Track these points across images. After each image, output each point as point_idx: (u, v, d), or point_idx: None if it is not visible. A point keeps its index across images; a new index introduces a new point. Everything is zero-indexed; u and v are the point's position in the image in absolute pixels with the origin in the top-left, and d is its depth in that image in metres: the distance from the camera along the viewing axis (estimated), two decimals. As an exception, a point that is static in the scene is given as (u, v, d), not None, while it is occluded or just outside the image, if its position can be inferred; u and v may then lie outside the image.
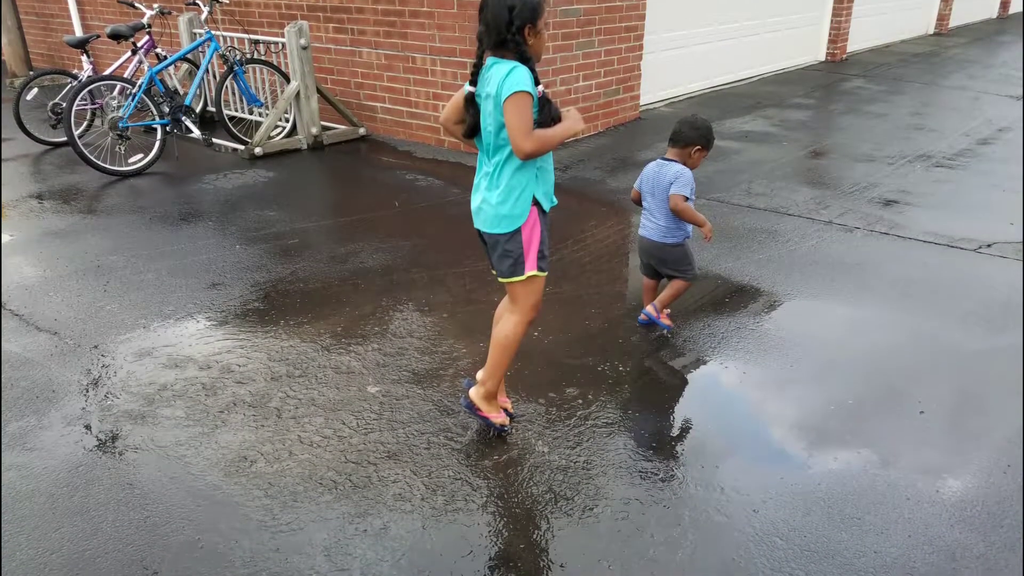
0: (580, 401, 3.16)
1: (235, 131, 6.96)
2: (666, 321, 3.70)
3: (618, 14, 7.23)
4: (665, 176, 3.44)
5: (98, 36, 7.30)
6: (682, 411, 3.16)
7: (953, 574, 2.29)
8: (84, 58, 6.94)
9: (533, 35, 2.53)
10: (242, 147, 6.77)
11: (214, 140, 6.98)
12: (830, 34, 11.14)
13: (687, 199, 3.41)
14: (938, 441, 2.91)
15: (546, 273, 2.79)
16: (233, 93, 7.34)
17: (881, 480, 2.69)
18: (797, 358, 3.48)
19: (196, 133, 6.81)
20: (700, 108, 8.43)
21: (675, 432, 3.01)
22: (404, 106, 7.11)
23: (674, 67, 8.59)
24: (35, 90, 7.04)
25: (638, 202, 3.65)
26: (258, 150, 6.63)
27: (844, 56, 11.35)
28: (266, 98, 7.30)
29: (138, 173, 6.24)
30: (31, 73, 9.55)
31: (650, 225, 3.58)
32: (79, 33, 10.05)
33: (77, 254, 4.68)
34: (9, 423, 3.05)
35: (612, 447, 2.88)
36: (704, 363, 3.48)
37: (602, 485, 2.68)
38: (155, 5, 7.31)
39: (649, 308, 3.66)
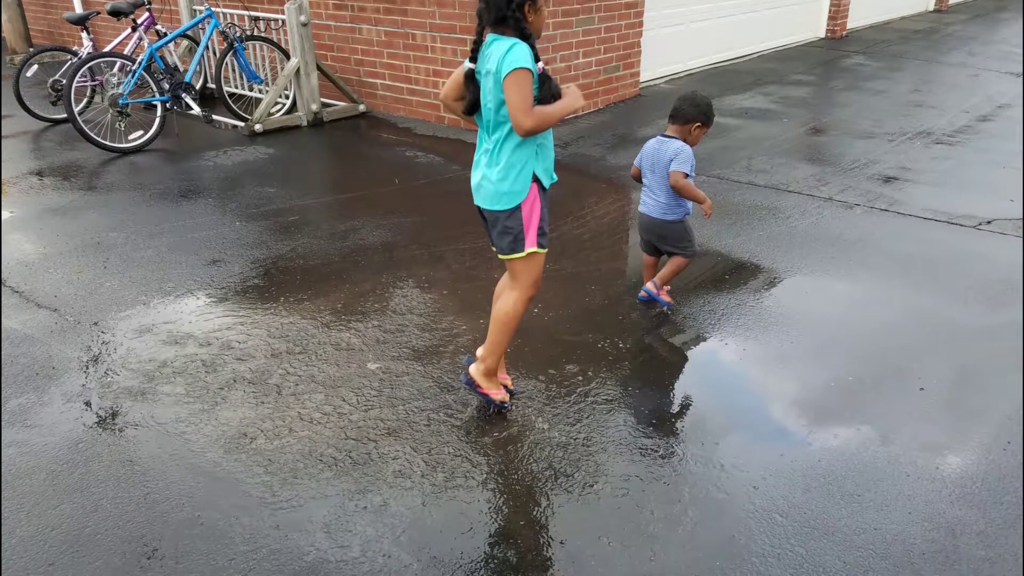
0: (580, 378, 3.16)
1: (235, 108, 6.92)
2: (666, 298, 3.69)
3: (619, -11, 7.16)
4: (665, 153, 3.42)
5: (98, 13, 7.24)
6: (682, 388, 3.16)
7: (953, 551, 2.30)
8: (84, 35, 6.89)
9: (533, 12, 2.51)
10: (242, 124, 6.73)
11: (214, 117, 6.94)
12: (830, 11, 11.04)
13: (687, 176, 3.39)
14: (938, 418, 2.91)
15: (546, 250, 2.78)
16: (233, 70, 7.29)
17: (881, 457, 2.69)
18: (797, 335, 3.48)
19: (196, 110, 6.77)
20: (700, 85, 8.37)
21: (675, 409, 3.02)
22: (404, 83, 7.06)
23: (674, 44, 8.53)
24: (35, 67, 7.00)
25: (638, 179, 3.63)
26: (258, 127, 6.60)
27: (844, 33, 11.25)
28: (266, 75, 7.25)
29: (138, 150, 6.22)
30: (31, 50, 9.48)
31: (650, 202, 3.56)
32: (79, 10, 9.96)
33: (77, 231, 4.67)
34: (9, 400, 3.05)
35: (612, 424, 2.88)
36: (704, 340, 3.47)
37: (602, 462, 2.69)
38: (154, -19, 7.25)
39: (649, 285, 3.66)
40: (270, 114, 6.77)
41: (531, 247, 2.71)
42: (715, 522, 2.42)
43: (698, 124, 3.43)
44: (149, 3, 6.81)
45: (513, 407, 2.97)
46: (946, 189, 5.20)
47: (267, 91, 6.95)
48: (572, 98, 2.62)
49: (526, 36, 2.50)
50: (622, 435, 2.83)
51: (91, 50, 6.81)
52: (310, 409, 2.98)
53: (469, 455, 2.73)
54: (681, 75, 8.78)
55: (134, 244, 4.45)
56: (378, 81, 7.19)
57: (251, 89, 7.30)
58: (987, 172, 5.55)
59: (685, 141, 3.44)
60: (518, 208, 2.65)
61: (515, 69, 2.42)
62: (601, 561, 2.28)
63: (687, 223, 3.60)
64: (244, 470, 2.66)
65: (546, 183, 2.71)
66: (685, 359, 3.37)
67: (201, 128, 6.90)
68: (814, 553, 2.29)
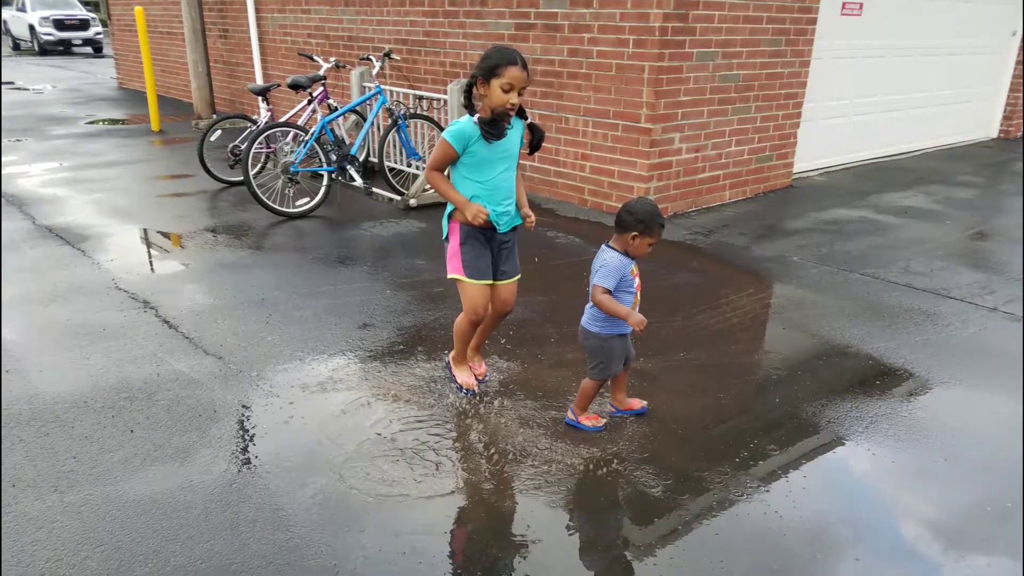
0: (706, 473, 3.09)
1: (393, 182, 7.32)
2: (589, 422, 3.39)
3: (779, 81, 7.17)
4: (595, 263, 3.19)
5: (278, 85, 7.93)
6: (822, 497, 3.03)
7: None
8: (263, 104, 7.53)
9: (483, 87, 3.14)
10: (398, 198, 7.11)
11: (373, 189, 7.38)
12: (1005, 110, 10.56)
13: (608, 292, 3.09)
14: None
15: (474, 281, 3.39)
16: (394, 145, 7.74)
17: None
18: (952, 452, 3.27)
19: (359, 182, 7.22)
20: (858, 180, 8.17)
21: (812, 516, 2.89)
22: (552, 165, 7.29)
23: (833, 136, 8.39)
24: (219, 132, 7.70)
25: None
26: (413, 201, 6.95)
27: (1020, 134, 10.70)
28: (424, 151, 7.66)
29: (303, 215, 6.68)
30: (215, 116, 10.47)
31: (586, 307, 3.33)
32: (260, 81, 10.95)
33: (244, 286, 5.05)
34: (173, 437, 3.30)
35: (744, 528, 2.80)
36: (850, 447, 3.33)
37: (730, 570, 2.61)
38: (331, 59, 7.89)
39: (568, 412, 3.44)
40: (424, 190, 7.12)
41: (452, 274, 3.40)
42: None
43: (634, 233, 3.06)
44: (324, 78, 7.39)
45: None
46: None
47: (423, 168, 7.33)
48: (471, 214, 3.27)
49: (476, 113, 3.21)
50: (754, 542, 2.73)
51: (268, 119, 7.42)
52: (448, 471, 3.06)
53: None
54: (838, 168, 8.61)
55: (294, 303, 4.76)
56: (527, 163, 7.45)
57: (409, 165, 7.72)
58: None
59: (626, 252, 3.13)
60: (445, 239, 3.42)
61: (442, 136, 3.23)
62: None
63: (609, 344, 3.26)
64: (381, 525, 2.75)
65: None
66: (828, 466, 3.23)
67: (361, 199, 7.34)
68: None
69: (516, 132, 3.32)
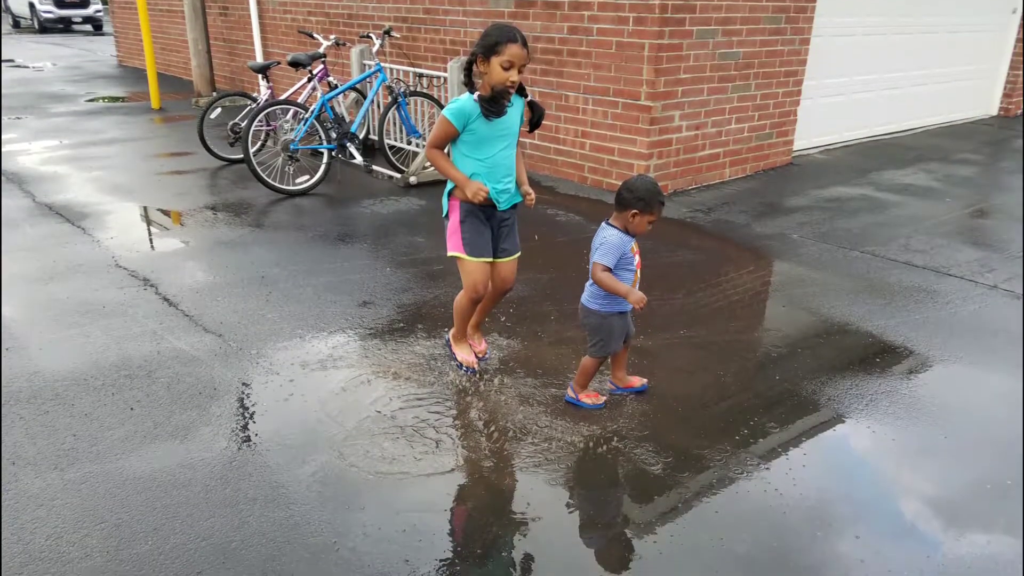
0: (706, 451, 3.10)
1: (393, 160, 7.30)
2: (590, 400, 3.40)
3: (779, 58, 7.12)
4: (595, 241, 3.18)
5: (278, 63, 7.88)
6: (822, 475, 3.03)
7: None
8: (263, 82, 7.48)
9: (483, 65, 3.11)
10: (398, 175, 7.09)
11: (373, 167, 7.35)
12: (1005, 88, 10.50)
13: (607, 269, 3.08)
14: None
15: (473, 258, 3.39)
16: (394, 123, 7.70)
17: (1042, 570, 2.48)
18: (953, 430, 3.27)
19: (358, 159, 7.19)
20: (857, 157, 8.14)
21: (812, 494, 2.89)
22: (552, 142, 7.25)
23: (833, 114, 8.35)
24: (219, 110, 7.65)
25: None
26: (413, 179, 6.92)
27: (1019, 112, 10.64)
28: (424, 129, 7.62)
29: (303, 193, 6.66)
30: (215, 94, 10.41)
31: (585, 285, 3.33)
32: (260, 59, 10.88)
33: (244, 264, 5.04)
34: (173, 414, 3.31)
35: (744, 505, 2.81)
36: (850, 425, 3.33)
37: (731, 548, 2.62)
38: (331, 36, 7.83)
39: (568, 389, 3.44)
40: (424, 167, 7.09)
41: (452, 252, 3.40)
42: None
43: (634, 211, 3.06)
44: (324, 56, 7.34)
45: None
46: None
47: (423, 145, 7.30)
48: (469, 189, 3.23)
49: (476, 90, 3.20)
50: (754, 519, 2.74)
51: (268, 97, 7.38)
52: (447, 448, 3.07)
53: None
54: (837, 146, 8.58)
55: (294, 281, 4.76)
56: (527, 141, 7.41)
57: (409, 143, 7.69)
58: None
59: (626, 230, 3.12)
60: (445, 216, 3.42)
61: (442, 114, 3.23)
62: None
63: (609, 321, 3.25)
64: (381, 503, 2.76)
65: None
66: (828, 444, 3.23)
67: (361, 177, 7.31)
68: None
69: (516, 110, 3.30)
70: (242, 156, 6.54)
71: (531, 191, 3.48)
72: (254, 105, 7.35)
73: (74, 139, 8.79)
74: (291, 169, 6.78)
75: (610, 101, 6.60)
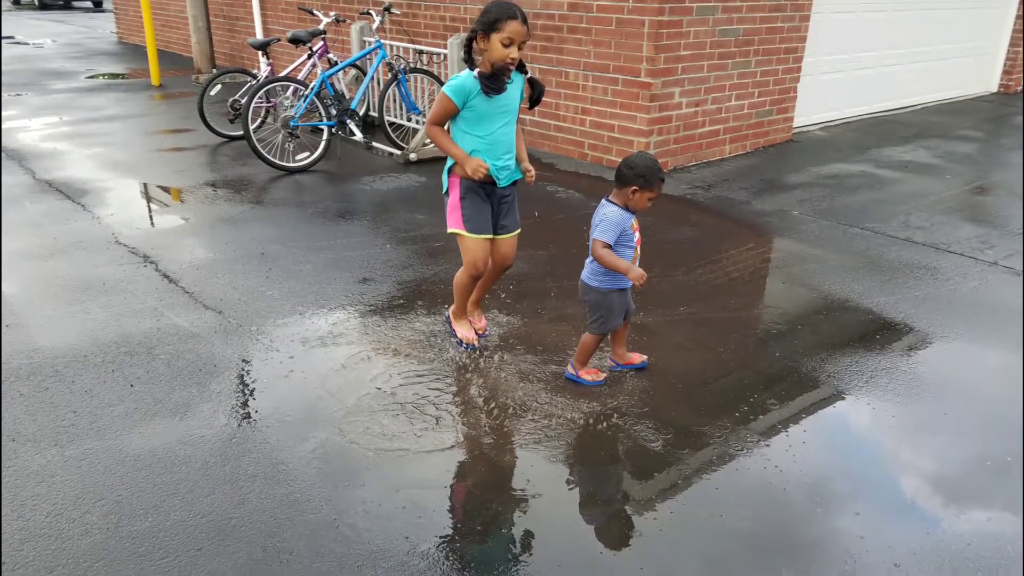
0: (706, 428, 3.10)
1: (393, 137, 7.27)
2: (589, 376, 3.39)
3: (779, 35, 7.06)
4: (595, 218, 3.17)
5: (279, 40, 7.81)
6: (821, 452, 3.04)
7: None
8: (263, 59, 7.44)
9: (484, 42, 3.09)
10: (398, 152, 7.06)
11: (373, 144, 7.31)
12: (1005, 64, 10.43)
13: (608, 246, 3.07)
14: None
15: (473, 235, 3.39)
16: (395, 100, 7.66)
17: (1040, 545, 2.49)
18: (953, 406, 3.28)
19: (358, 136, 7.16)
20: (857, 134, 8.09)
21: (817, 473, 2.90)
22: (552, 119, 7.21)
23: (833, 90, 8.31)
24: (219, 87, 7.60)
25: None
26: (413, 156, 6.89)
27: (1020, 88, 10.57)
28: (424, 106, 7.58)
29: (303, 170, 6.63)
30: (215, 71, 10.35)
31: (585, 263, 3.32)
32: (260, 36, 10.79)
33: (244, 240, 5.03)
34: (173, 391, 3.31)
35: (744, 482, 2.81)
36: (850, 402, 3.33)
37: (725, 523, 2.63)
38: (331, 13, 7.76)
39: (568, 366, 3.43)
40: (424, 144, 7.06)
41: (452, 228, 3.39)
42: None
43: (634, 188, 3.04)
44: (324, 32, 7.28)
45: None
46: None
47: (423, 122, 7.26)
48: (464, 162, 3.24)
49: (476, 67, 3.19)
50: (754, 496, 2.75)
51: (268, 74, 7.34)
52: (448, 428, 3.07)
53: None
54: (837, 123, 8.53)
55: (294, 257, 4.75)
56: (527, 116, 7.36)
57: (409, 119, 7.64)
58: None
59: (626, 207, 3.11)
60: (445, 193, 3.41)
61: (442, 90, 3.22)
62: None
63: (609, 298, 3.24)
64: (381, 480, 2.76)
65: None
66: (828, 420, 3.24)
67: (361, 153, 7.28)
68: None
69: (516, 87, 3.28)
70: (242, 133, 6.51)
71: (531, 168, 3.46)
72: (254, 82, 7.31)
73: (74, 116, 8.74)
74: (291, 146, 6.75)
75: (610, 78, 6.55)
